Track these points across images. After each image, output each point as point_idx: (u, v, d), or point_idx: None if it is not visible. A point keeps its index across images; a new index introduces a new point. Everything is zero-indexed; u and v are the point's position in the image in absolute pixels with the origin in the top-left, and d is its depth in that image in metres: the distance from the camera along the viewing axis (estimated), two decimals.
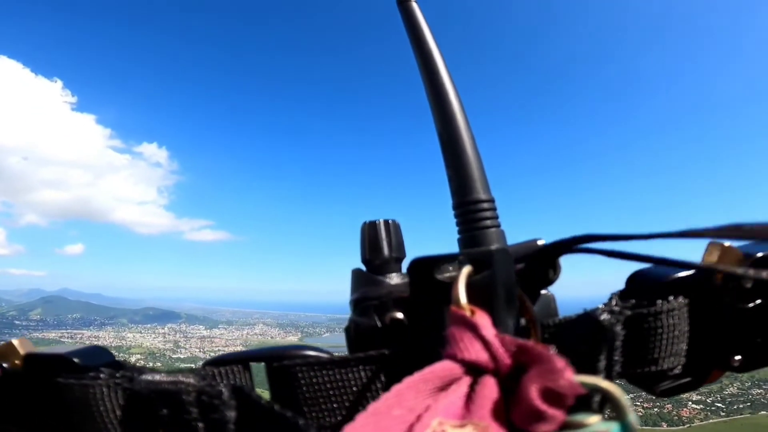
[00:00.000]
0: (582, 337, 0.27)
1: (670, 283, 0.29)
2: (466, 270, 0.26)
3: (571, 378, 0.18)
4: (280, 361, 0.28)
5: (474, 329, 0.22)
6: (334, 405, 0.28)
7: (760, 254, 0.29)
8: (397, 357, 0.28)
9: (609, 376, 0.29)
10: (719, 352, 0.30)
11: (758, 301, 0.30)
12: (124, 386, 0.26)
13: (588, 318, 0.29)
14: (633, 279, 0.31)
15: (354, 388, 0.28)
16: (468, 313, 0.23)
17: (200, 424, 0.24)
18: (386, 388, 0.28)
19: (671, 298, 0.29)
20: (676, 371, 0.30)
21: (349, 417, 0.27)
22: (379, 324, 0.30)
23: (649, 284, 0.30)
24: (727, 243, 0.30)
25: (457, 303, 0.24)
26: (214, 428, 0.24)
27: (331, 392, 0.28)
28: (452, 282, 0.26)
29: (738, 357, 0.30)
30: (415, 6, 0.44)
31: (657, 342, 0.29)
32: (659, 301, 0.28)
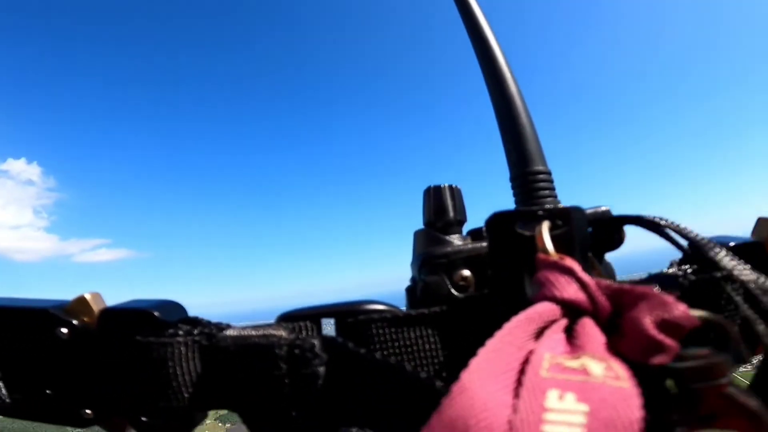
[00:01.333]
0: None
1: (735, 249, 0.30)
2: (546, 224, 0.26)
3: (686, 309, 0.18)
4: (354, 317, 0.29)
5: (569, 272, 0.22)
6: (411, 361, 0.28)
7: None
8: (473, 309, 0.28)
9: None
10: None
11: None
12: (205, 343, 0.26)
13: (660, 278, 0.29)
14: (691, 247, 0.31)
15: (428, 345, 0.28)
16: (558, 258, 0.23)
17: (288, 380, 0.24)
18: (461, 344, 0.29)
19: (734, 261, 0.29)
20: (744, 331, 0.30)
21: (431, 369, 0.27)
22: (448, 282, 0.30)
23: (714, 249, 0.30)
24: None
25: (546, 251, 0.24)
26: (305, 383, 0.24)
27: (406, 347, 0.28)
28: (532, 235, 0.26)
29: None
30: None
31: (721, 306, 0.29)
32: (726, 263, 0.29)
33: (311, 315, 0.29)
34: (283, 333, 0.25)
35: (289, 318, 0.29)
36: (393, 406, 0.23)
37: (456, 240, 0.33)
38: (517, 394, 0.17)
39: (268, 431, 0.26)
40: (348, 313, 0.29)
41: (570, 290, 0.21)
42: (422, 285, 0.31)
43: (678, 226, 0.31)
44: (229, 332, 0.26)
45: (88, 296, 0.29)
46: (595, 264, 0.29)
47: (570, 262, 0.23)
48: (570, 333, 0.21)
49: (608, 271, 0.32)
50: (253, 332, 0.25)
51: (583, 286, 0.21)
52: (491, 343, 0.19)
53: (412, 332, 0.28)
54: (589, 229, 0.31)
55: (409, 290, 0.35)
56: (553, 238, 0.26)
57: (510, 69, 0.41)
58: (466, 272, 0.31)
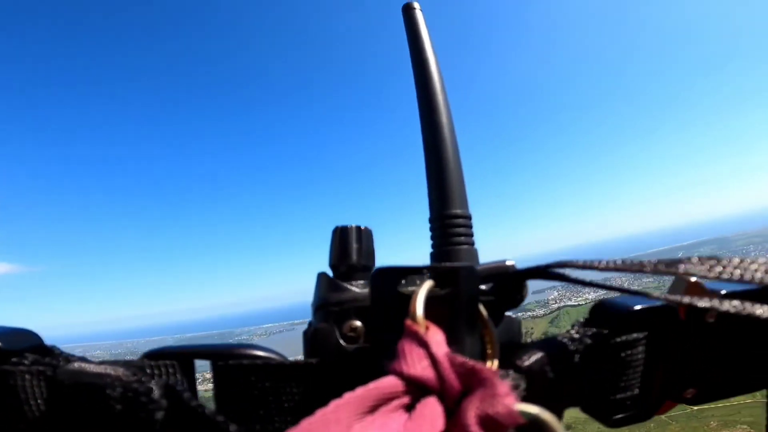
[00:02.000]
0: (543, 363, 0.27)
1: (632, 315, 0.29)
2: (428, 284, 0.25)
3: (511, 405, 0.17)
4: (225, 360, 0.27)
5: (424, 345, 0.21)
6: (275, 410, 0.26)
7: (724, 291, 0.30)
8: (340, 367, 0.27)
9: (564, 404, 0.28)
10: (674, 385, 0.31)
11: (718, 337, 0.30)
12: (49, 374, 0.24)
13: (549, 343, 0.28)
14: (596, 308, 0.31)
15: (297, 396, 0.27)
16: (422, 329, 0.22)
17: (124, 422, 0.22)
18: (329, 397, 0.27)
19: (631, 331, 0.29)
20: (630, 402, 0.29)
21: (290, 424, 0.26)
22: (337, 331, 0.29)
23: (612, 314, 0.30)
24: (693, 279, 0.30)
25: (413, 317, 0.23)
26: (139, 427, 0.22)
27: (272, 397, 0.26)
28: (412, 295, 0.25)
29: (691, 390, 0.30)
30: (418, 14, 0.44)
31: (614, 372, 0.29)
32: (619, 333, 0.28)
33: (181, 355, 0.27)
34: (122, 373, 0.23)
35: (155, 356, 0.27)
36: None
37: (355, 288, 0.32)
38: None
39: None
40: (222, 356, 0.27)
41: (418, 367, 0.20)
42: (312, 332, 0.30)
43: (583, 280, 0.30)
44: (75, 366, 0.24)
45: None
46: (488, 325, 0.28)
47: (431, 334, 0.21)
48: (410, 411, 0.19)
49: (508, 331, 0.31)
50: (93, 368, 0.24)
51: (434, 363, 0.20)
52: (307, 422, 0.17)
53: (283, 383, 0.27)
54: (485, 286, 0.30)
55: (305, 334, 0.33)
56: (435, 300, 0.25)
57: (448, 107, 0.40)
58: (357, 323, 0.29)
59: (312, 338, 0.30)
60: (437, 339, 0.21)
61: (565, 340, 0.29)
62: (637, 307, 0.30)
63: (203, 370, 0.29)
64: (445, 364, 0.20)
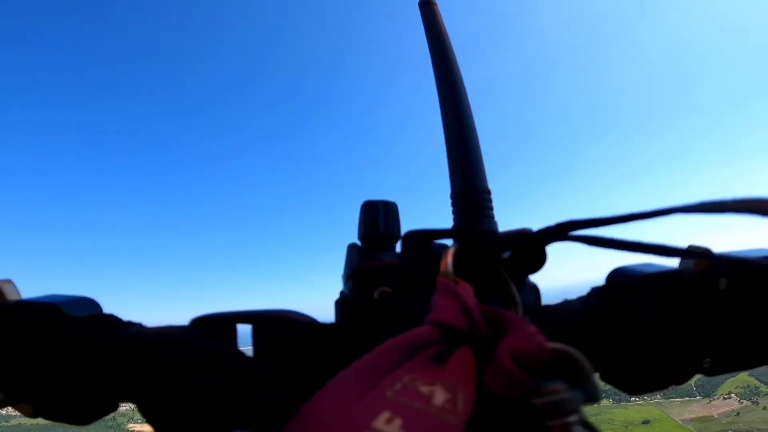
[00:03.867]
0: (560, 326, 0.28)
1: (648, 279, 0.29)
2: (455, 246, 0.27)
3: (542, 342, 0.18)
4: (266, 324, 0.29)
5: (456, 296, 0.22)
6: (317, 372, 0.28)
7: (735, 257, 0.30)
8: (371, 328, 0.29)
9: None
10: (690, 354, 0.31)
11: (731, 304, 0.30)
12: (113, 339, 0.26)
13: (568, 307, 0.29)
14: (612, 275, 0.31)
15: (333, 355, 0.29)
16: (452, 282, 0.23)
17: (187, 377, 0.24)
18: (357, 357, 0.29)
19: (647, 296, 0.29)
20: (647, 369, 0.30)
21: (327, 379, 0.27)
22: (369, 296, 0.31)
23: (627, 280, 0.30)
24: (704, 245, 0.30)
25: (445, 273, 0.24)
26: (204, 383, 0.24)
27: (309, 357, 0.28)
28: (442, 256, 0.26)
29: (708, 359, 0.30)
30: (436, 8, 0.45)
31: (631, 338, 0.29)
32: (634, 299, 0.28)
33: (226, 319, 0.29)
34: (184, 333, 0.25)
35: (203, 321, 0.29)
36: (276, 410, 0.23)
37: (385, 256, 0.33)
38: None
39: (171, 427, 0.27)
40: (262, 320, 0.29)
41: (451, 314, 0.22)
42: (345, 298, 0.32)
43: (606, 239, 0.30)
44: (137, 330, 0.27)
45: (3, 287, 0.28)
46: (511, 286, 0.29)
47: (462, 287, 0.23)
48: (444, 357, 0.21)
49: (528, 296, 0.32)
50: (156, 331, 0.26)
51: (465, 310, 0.22)
52: (357, 364, 0.19)
53: (322, 343, 0.29)
54: (508, 253, 0.31)
55: (337, 303, 0.35)
56: (461, 261, 0.27)
57: (465, 92, 0.41)
58: (387, 289, 0.31)
59: (344, 304, 0.31)
60: (467, 291, 0.23)
61: (583, 304, 0.30)
62: (653, 271, 0.30)
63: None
64: (476, 312, 0.22)
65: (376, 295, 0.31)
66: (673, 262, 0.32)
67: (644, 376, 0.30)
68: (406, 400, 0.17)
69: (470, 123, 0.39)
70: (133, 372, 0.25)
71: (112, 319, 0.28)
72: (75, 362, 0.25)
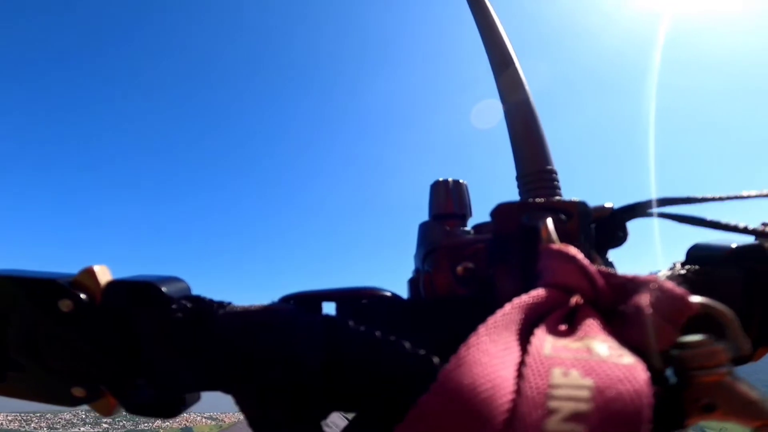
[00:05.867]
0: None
1: (727, 254, 0.29)
2: (551, 217, 0.27)
3: (687, 295, 0.18)
4: (355, 302, 0.29)
5: (572, 259, 0.22)
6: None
7: None
8: (474, 301, 0.28)
9: None
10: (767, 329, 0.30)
11: None
12: (206, 320, 0.26)
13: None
14: (692, 250, 0.31)
15: (425, 332, 0.28)
16: (564, 247, 0.23)
17: (291, 354, 0.24)
18: (458, 332, 0.29)
19: (726, 270, 0.29)
20: None
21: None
22: (451, 273, 0.31)
23: (707, 254, 0.30)
24: None
25: (550, 241, 0.24)
26: (302, 357, 0.24)
27: (404, 333, 0.28)
28: (536, 227, 0.26)
29: None
30: None
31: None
32: (714, 272, 0.28)
33: (312, 298, 0.29)
34: (281, 309, 0.25)
35: (291, 299, 0.29)
36: (392, 382, 0.23)
37: (460, 233, 0.33)
38: (519, 371, 0.17)
39: (269, 411, 0.26)
40: (349, 298, 0.29)
41: (572, 277, 0.22)
42: (425, 276, 0.32)
43: (689, 217, 0.30)
44: (233, 309, 0.26)
45: (96, 268, 0.28)
46: (598, 260, 0.29)
47: (573, 250, 0.23)
48: (571, 319, 0.21)
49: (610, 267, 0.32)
50: (251, 309, 0.25)
51: (584, 272, 0.22)
52: (491, 321, 0.19)
53: (412, 319, 0.28)
54: (592, 226, 0.31)
55: (412, 281, 0.35)
56: (557, 231, 0.26)
57: (522, 74, 0.42)
58: (469, 264, 0.31)
59: (426, 281, 0.31)
60: (580, 254, 0.23)
61: (667, 278, 0.30)
62: (732, 245, 0.30)
63: None
64: (596, 274, 0.22)
65: (460, 270, 0.31)
66: (749, 240, 0.32)
67: None
68: (569, 355, 0.16)
69: (531, 105, 0.40)
70: (248, 350, 0.24)
71: (204, 300, 0.28)
72: (178, 341, 0.25)
